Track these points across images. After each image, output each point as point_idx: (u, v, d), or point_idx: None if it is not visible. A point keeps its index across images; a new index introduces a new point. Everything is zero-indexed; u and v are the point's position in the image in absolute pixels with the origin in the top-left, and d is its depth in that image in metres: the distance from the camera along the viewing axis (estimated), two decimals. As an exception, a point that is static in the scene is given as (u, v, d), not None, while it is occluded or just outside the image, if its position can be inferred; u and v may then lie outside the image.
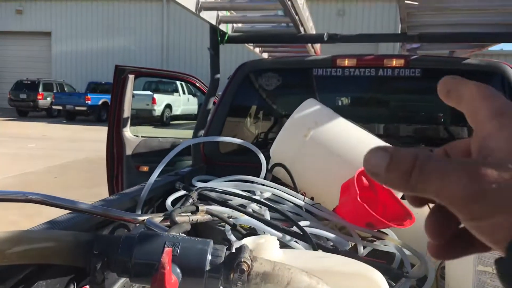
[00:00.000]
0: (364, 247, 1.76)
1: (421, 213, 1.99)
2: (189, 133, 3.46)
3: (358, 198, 1.74)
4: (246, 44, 3.53)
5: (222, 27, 2.89)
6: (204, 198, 1.77)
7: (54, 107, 21.33)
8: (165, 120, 18.78)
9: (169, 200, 1.85)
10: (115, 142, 4.06)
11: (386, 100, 3.05)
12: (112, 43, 26.22)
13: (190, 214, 1.47)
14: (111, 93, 4.06)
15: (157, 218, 1.32)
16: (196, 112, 19.03)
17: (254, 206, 1.89)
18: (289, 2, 2.37)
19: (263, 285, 0.63)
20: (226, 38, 2.92)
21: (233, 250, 0.65)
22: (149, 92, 18.24)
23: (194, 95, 20.29)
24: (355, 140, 2.17)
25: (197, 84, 4.30)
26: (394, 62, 2.67)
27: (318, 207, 1.92)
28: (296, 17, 2.65)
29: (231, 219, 1.63)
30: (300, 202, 1.91)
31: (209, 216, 1.56)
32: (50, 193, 1.20)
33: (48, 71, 26.99)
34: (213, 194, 1.79)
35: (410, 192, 0.34)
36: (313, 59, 2.93)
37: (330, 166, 2.11)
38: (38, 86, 21.85)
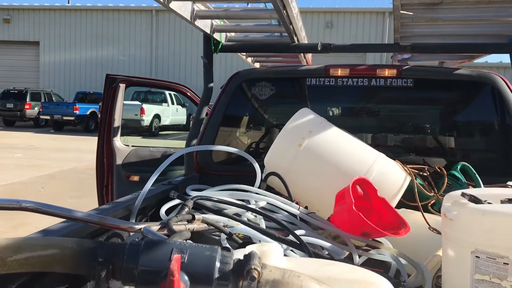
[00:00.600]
0: (360, 256, 1.76)
1: (416, 222, 2.00)
2: (178, 143, 3.45)
3: (353, 207, 1.74)
4: (238, 54, 3.54)
5: (216, 36, 2.89)
6: (199, 207, 1.75)
7: (41, 116, 21.13)
8: (154, 130, 18.69)
9: (164, 209, 1.82)
10: (105, 152, 4.02)
11: (378, 109, 3.06)
12: (101, 53, 26.13)
13: (187, 222, 1.45)
14: (101, 102, 4.03)
15: (154, 227, 1.29)
16: (184, 123, 19.03)
17: (249, 215, 1.88)
18: (284, 12, 2.38)
19: (272, 293, 0.62)
20: (219, 47, 2.92)
21: (241, 258, 0.64)
22: (137, 102, 18.17)
23: (183, 105, 20.25)
24: (350, 149, 2.17)
25: (188, 94, 4.29)
26: (387, 72, 2.69)
27: (313, 216, 1.91)
28: (291, 27, 2.66)
29: (227, 228, 1.62)
30: (294, 211, 1.90)
31: (205, 225, 1.54)
32: (38, 204, 1.17)
33: (36, 80, 26.78)
34: (208, 203, 1.77)
35: None
36: (306, 69, 2.94)
37: (324, 175, 2.11)
38: (26, 95, 21.63)
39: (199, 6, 2.56)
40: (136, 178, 3.99)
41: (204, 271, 0.61)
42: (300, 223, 1.89)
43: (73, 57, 26.50)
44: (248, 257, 0.63)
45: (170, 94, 19.87)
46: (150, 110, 18.55)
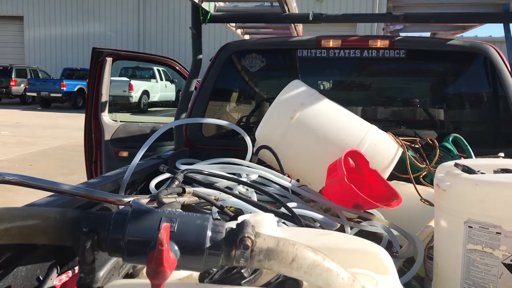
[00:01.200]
0: (351, 228, 1.75)
1: (408, 194, 2.00)
2: (167, 119, 3.40)
3: (345, 179, 1.72)
4: (228, 25, 3.46)
5: (205, 5, 2.81)
6: (190, 181, 1.72)
7: (28, 93, 20.80)
8: (143, 107, 18.51)
9: (153, 183, 1.79)
10: (93, 127, 3.96)
11: (370, 82, 3.03)
12: (87, 28, 25.62)
13: (177, 196, 1.42)
14: (88, 77, 3.95)
15: (144, 200, 1.26)
16: (173, 99, 18.85)
17: (241, 188, 1.85)
18: (275, -21, 2.31)
19: (266, 262, 0.60)
20: (208, 17, 2.85)
21: (234, 226, 0.61)
22: (125, 79, 17.92)
23: (171, 81, 20.03)
24: (342, 121, 2.15)
25: (177, 68, 4.21)
26: (379, 43, 2.64)
27: (305, 189, 1.90)
28: (281, -4, 2.60)
29: (218, 201, 1.59)
30: (286, 184, 1.88)
31: (196, 198, 1.51)
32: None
33: (21, 57, 26.26)
34: (199, 177, 1.74)
35: None
36: (297, 40, 2.88)
37: (316, 148, 2.09)
38: (11, 72, 21.23)
39: (187, -25, 2.48)
40: (125, 153, 3.94)
41: (194, 240, 0.58)
42: (291, 196, 1.88)
43: (59, 32, 25.95)
44: (241, 225, 0.60)
45: (158, 70, 19.63)
46: (138, 86, 18.34)
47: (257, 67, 2.83)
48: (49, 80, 21.32)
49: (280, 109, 2.12)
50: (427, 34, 4.02)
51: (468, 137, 2.38)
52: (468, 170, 1.39)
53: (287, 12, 2.87)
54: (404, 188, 2.06)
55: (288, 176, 1.96)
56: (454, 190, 1.37)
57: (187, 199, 1.45)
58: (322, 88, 3.15)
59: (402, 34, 3.69)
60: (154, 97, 19.45)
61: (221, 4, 3.02)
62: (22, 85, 21.07)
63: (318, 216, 1.67)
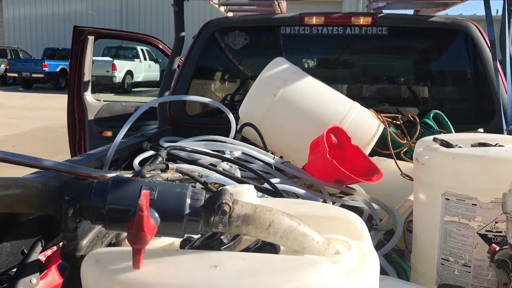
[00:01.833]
0: (334, 203, 1.78)
1: (389, 169, 2.03)
2: (151, 99, 3.38)
3: (327, 155, 1.75)
4: (211, 2, 3.42)
5: (187, -18, 2.78)
6: (173, 158, 1.73)
7: (8, 74, 20.38)
8: (126, 87, 18.32)
9: (137, 160, 1.80)
10: (76, 107, 3.92)
11: (353, 59, 3.04)
12: (69, 7, 25.05)
13: (160, 172, 1.43)
14: (70, 56, 3.89)
15: (127, 175, 1.27)
16: (158, 79, 18.66)
17: (224, 165, 1.87)
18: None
19: (244, 228, 0.62)
20: None
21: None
22: (108, 58, 17.67)
23: (155, 61, 19.80)
24: (324, 98, 2.17)
25: (160, 46, 4.17)
26: (362, 20, 2.65)
27: (288, 165, 1.92)
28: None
29: (202, 178, 1.60)
30: (270, 160, 1.90)
31: (179, 174, 1.52)
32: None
33: (1, 36, 25.62)
34: (182, 153, 1.75)
35: None
36: (280, 17, 2.87)
37: (299, 125, 2.11)
38: (-10, 52, 20.77)
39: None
40: (109, 133, 3.92)
41: (174, 207, 0.59)
42: (275, 172, 1.90)
43: (39, 11, 25.34)
44: (219, 193, 0.62)
45: (142, 50, 19.37)
46: (122, 66, 18.10)
47: (240, 44, 2.82)
48: (30, 60, 20.90)
49: (263, 86, 2.13)
50: (411, 12, 4.04)
51: (449, 113, 2.42)
52: (446, 144, 1.42)
53: (271, -16, 2.85)
54: (385, 164, 2.11)
55: (272, 153, 1.98)
56: (432, 163, 1.40)
57: (170, 175, 1.46)
58: (306, 66, 3.16)
59: (385, 11, 3.70)
60: (138, 77, 19.23)
61: (204, -20, 2.99)
62: (2, 66, 20.63)
63: (301, 191, 1.70)
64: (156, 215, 0.58)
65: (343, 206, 1.80)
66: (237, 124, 2.17)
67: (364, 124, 2.13)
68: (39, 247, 1.15)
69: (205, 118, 2.88)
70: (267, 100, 2.10)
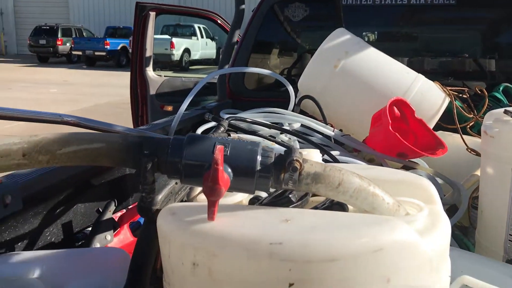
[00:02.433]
0: (395, 177, 1.75)
1: (454, 144, 1.96)
2: (212, 72, 3.41)
3: (390, 128, 1.71)
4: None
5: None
6: (234, 129, 1.76)
7: (73, 52, 21.33)
8: (184, 65, 18.64)
9: (200, 130, 1.85)
10: (138, 82, 4.05)
11: (418, 31, 2.92)
12: (129, -14, 25.65)
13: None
14: (132, 32, 4.01)
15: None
16: (214, 57, 18.85)
17: (283, 137, 1.87)
18: None
19: (314, 186, 0.62)
20: None
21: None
22: (167, 37, 18.01)
23: (212, 38, 19.97)
24: (387, 70, 2.11)
25: (219, 21, 4.19)
26: None
27: (348, 138, 1.90)
28: None
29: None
30: (329, 133, 1.88)
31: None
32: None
33: (65, 16, 26.74)
34: (242, 124, 1.78)
35: None
36: None
37: (360, 97, 2.07)
38: (57, 31, 21.76)
39: None
40: (170, 108, 4.03)
41: (246, 163, 0.61)
42: (334, 145, 1.88)
43: (102, -9, 26.17)
44: (289, 151, 0.63)
45: (199, 27, 19.58)
46: (179, 44, 18.41)
47: (300, 16, 2.78)
48: (93, 39, 21.74)
49: (323, 57, 2.10)
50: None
51: None
52: (518, 116, 1.36)
53: None
54: (450, 138, 2.03)
55: (331, 126, 1.96)
56: (503, 136, 1.35)
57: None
58: (366, 39, 3.07)
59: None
60: (195, 55, 19.50)
61: None
62: (67, 44, 21.60)
63: (361, 164, 1.68)
64: (229, 170, 0.60)
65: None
66: (296, 97, 2.17)
67: (428, 96, 2.06)
68: (112, 207, 1.22)
69: (263, 92, 2.90)
70: (327, 72, 2.08)
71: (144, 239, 0.74)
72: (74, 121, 1.16)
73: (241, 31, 2.96)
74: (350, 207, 0.68)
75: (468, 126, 2.12)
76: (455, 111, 2.07)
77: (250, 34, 2.79)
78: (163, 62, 16.60)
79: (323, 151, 1.65)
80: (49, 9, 26.89)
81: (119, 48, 20.80)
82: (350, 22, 2.79)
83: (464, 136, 1.99)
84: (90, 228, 1.26)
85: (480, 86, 2.31)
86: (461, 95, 2.23)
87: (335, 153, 1.73)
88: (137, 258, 0.73)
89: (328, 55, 2.09)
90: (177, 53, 18.28)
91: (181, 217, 0.61)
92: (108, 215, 1.19)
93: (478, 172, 1.70)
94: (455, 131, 2.05)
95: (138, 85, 4.06)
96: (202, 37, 19.82)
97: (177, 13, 4.77)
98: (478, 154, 1.84)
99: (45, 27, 22.05)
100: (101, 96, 11.52)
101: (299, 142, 1.82)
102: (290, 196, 0.67)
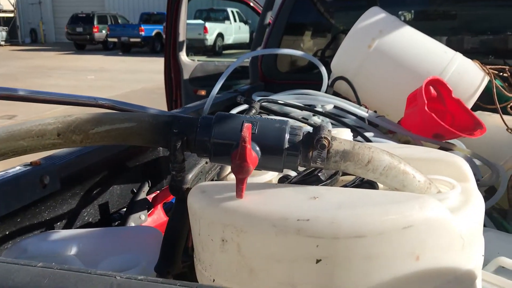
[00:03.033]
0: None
1: (493, 123, 1.90)
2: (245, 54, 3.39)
3: (426, 108, 1.67)
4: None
5: None
6: (265, 111, 1.76)
7: (109, 39, 21.72)
8: (218, 50, 18.66)
9: (233, 112, 1.85)
10: (172, 67, 4.09)
11: (455, 9, 2.81)
12: (162, -29, 25.78)
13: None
14: (166, 17, 4.03)
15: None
16: (248, 41, 18.77)
17: (316, 119, 1.86)
18: None
19: (342, 164, 0.62)
20: None
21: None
22: (200, 21, 18.04)
23: (245, 22, 19.87)
24: (424, 49, 2.05)
25: (251, 4, 4.16)
26: None
27: (383, 119, 1.86)
28: None
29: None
30: (363, 114, 1.85)
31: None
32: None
33: (101, 3, 27.19)
34: (274, 107, 1.77)
35: None
36: None
37: (395, 78, 2.02)
38: (93, 19, 22.19)
39: None
40: (203, 92, 4.05)
41: (274, 141, 0.61)
42: (368, 126, 1.85)
43: (135, -23, 26.43)
44: (318, 128, 0.62)
45: (232, 12, 19.51)
46: (213, 29, 18.43)
47: None
48: (128, 25, 22.05)
49: (357, 37, 2.06)
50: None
51: None
52: (563, 93, 1.30)
53: None
54: (489, 119, 1.96)
55: (365, 107, 1.93)
56: (546, 115, 1.30)
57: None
58: (403, 18, 2.98)
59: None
60: (229, 39, 19.47)
61: None
62: (103, 31, 22.00)
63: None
64: (257, 148, 0.61)
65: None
66: (329, 78, 2.14)
67: (466, 76, 1.99)
68: (146, 187, 1.25)
69: (296, 74, 2.87)
70: (361, 52, 2.04)
71: (176, 217, 0.75)
72: (108, 104, 1.19)
73: (273, 13, 2.94)
74: (380, 185, 0.67)
75: (509, 106, 2.04)
76: (494, 90, 1.99)
77: (282, 16, 2.77)
78: (197, 47, 16.67)
79: (356, 133, 1.63)
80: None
81: (153, 34, 21.02)
82: (385, 1, 2.72)
83: (504, 116, 1.91)
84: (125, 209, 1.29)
85: (522, 64, 2.21)
86: (501, 73, 2.15)
87: (369, 134, 1.71)
88: (169, 236, 0.75)
89: (362, 34, 2.05)
90: (210, 38, 18.31)
91: (210, 195, 0.62)
92: (142, 195, 1.21)
93: (519, 153, 1.65)
94: (494, 111, 1.98)
95: (172, 70, 4.10)
96: (235, 21, 19.76)
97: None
98: (519, 135, 1.77)
99: (81, 15, 22.51)
100: (136, 82, 11.71)
101: (332, 124, 1.80)
102: (319, 174, 0.67)
